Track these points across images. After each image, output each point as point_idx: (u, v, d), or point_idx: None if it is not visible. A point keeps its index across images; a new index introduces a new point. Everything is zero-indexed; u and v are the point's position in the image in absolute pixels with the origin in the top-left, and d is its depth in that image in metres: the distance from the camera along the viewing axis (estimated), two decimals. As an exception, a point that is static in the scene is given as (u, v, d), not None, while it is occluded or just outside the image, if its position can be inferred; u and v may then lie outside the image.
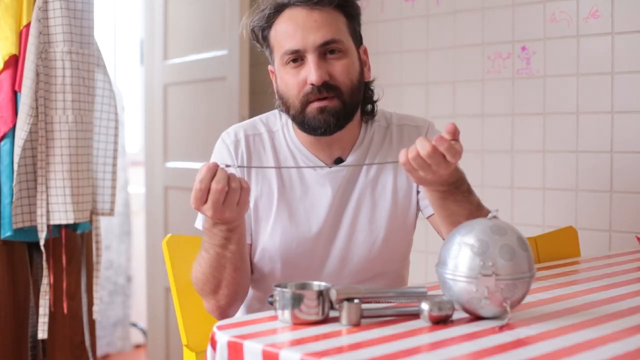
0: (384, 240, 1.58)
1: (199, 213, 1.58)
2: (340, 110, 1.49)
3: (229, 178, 1.30)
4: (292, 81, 1.49)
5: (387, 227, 1.58)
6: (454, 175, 1.36)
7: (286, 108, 1.53)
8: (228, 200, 1.30)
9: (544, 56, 2.37)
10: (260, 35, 1.55)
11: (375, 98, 1.62)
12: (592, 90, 2.27)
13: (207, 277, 1.45)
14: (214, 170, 1.29)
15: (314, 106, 1.48)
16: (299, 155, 1.57)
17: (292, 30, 1.48)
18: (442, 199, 1.40)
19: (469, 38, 2.53)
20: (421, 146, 1.28)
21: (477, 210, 1.43)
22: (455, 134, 1.30)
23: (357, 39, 1.57)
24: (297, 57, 1.48)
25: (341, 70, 1.49)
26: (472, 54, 2.52)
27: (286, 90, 1.51)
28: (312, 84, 1.47)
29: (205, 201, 1.30)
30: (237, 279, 1.46)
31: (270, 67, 1.60)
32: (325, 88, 1.47)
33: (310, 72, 1.46)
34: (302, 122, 1.51)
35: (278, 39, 1.51)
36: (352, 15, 1.55)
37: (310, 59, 1.47)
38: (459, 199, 1.40)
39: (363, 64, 1.57)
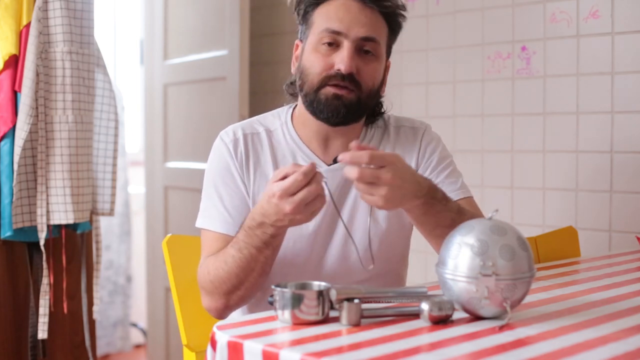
0: (382, 240, 1.58)
1: (201, 210, 1.58)
2: (354, 105, 1.50)
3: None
4: (320, 61, 1.50)
5: (385, 226, 1.58)
6: (422, 184, 1.34)
7: (301, 83, 1.53)
8: (312, 204, 1.30)
9: (544, 56, 2.37)
10: (304, 9, 1.56)
11: (383, 109, 1.63)
12: (592, 90, 2.27)
13: (231, 276, 1.43)
14: (315, 168, 1.29)
15: (331, 90, 1.49)
16: (299, 152, 1.58)
17: (342, 14, 1.49)
18: (423, 215, 1.38)
19: (469, 38, 2.53)
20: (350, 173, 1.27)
21: (458, 216, 1.41)
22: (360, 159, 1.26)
23: (388, 52, 1.59)
24: (333, 41, 1.49)
25: (369, 71, 1.51)
26: (472, 54, 2.52)
27: (309, 66, 1.51)
28: (339, 70, 1.48)
29: (293, 194, 1.29)
30: (259, 284, 1.46)
31: (297, 41, 1.60)
32: (349, 79, 1.48)
33: (343, 60, 1.47)
34: (313, 101, 1.51)
35: (323, 18, 1.51)
36: (394, 30, 1.57)
37: (346, 47, 1.48)
38: (438, 209, 1.38)
39: (384, 79, 1.58)
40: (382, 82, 1.58)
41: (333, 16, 1.50)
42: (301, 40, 1.58)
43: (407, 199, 1.32)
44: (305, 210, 1.30)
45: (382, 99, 1.63)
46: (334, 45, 1.49)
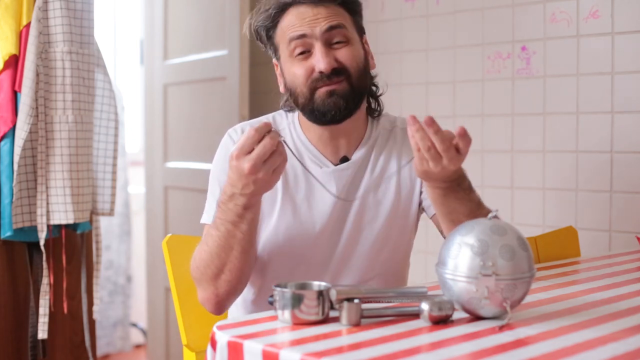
0: (386, 240, 1.58)
1: (206, 208, 1.58)
2: (349, 93, 1.51)
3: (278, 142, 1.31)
4: (300, 70, 1.51)
5: (389, 226, 1.58)
6: (457, 171, 1.36)
7: (295, 99, 1.54)
8: (270, 161, 1.31)
9: (544, 56, 2.37)
10: (265, 35, 1.57)
11: (379, 93, 1.63)
12: (592, 90, 2.27)
13: (212, 257, 1.43)
14: (270, 127, 1.31)
15: (323, 90, 1.50)
16: (306, 152, 1.58)
17: (299, 21, 1.50)
18: (443, 196, 1.40)
19: (469, 38, 2.53)
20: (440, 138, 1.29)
21: (477, 208, 1.43)
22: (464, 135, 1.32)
23: (360, 30, 1.59)
24: (304, 49, 1.50)
25: (347, 56, 1.51)
26: (472, 54, 2.52)
27: (294, 80, 1.52)
28: (320, 72, 1.48)
29: (250, 152, 1.30)
30: (242, 265, 1.44)
31: (274, 61, 1.61)
32: (335, 74, 1.49)
33: (318, 60, 1.48)
34: (312, 109, 1.52)
35: (284, 33, 1.52)
36: (354, 11, 1.57)
37: (317, 47, 1.49)
38: (460, 196, 1.40)
39: (367, 53, 1.58)
40: (367, 59, 1.58)
41: (290, 26, 1.51)
42: (277, 60, 1.59)
43: (444, 178, 1.35)
44: (265, 168, 1.31)
45: (376, 82, 1.63)
46: (305, 52, 1.50)
